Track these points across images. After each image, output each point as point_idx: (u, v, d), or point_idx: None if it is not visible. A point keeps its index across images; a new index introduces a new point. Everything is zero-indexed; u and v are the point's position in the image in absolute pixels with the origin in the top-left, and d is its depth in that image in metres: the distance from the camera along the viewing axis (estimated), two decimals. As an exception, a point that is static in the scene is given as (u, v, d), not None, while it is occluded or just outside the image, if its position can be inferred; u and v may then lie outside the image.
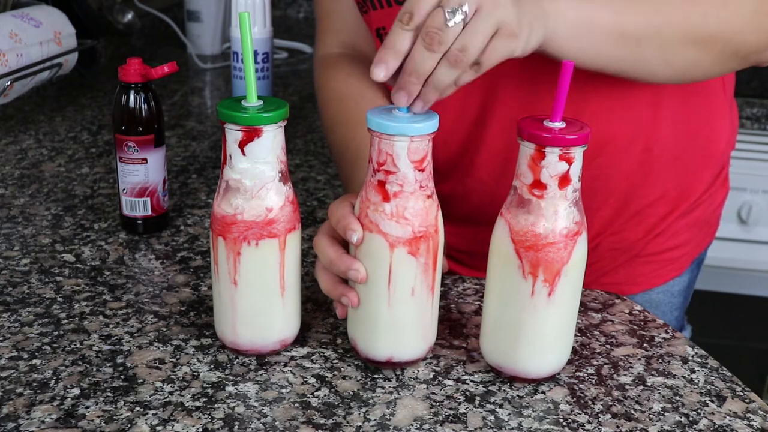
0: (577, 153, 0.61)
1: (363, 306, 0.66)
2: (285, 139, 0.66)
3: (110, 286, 0.80)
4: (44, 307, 0.76)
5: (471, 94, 0.83)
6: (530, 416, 0.63)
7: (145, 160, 0.88)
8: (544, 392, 0.66)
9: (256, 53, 1.15)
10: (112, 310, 0.76)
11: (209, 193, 1.04)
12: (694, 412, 0.64)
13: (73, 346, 0.70)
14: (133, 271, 0.84)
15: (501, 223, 0.65)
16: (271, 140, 0.64)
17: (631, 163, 0.85)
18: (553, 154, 0.61)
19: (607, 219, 0.87)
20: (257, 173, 0.64)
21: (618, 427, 0.62)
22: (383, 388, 0.66)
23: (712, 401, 0.66)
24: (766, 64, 0.79)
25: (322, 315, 0.76)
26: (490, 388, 0.66)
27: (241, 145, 0.63)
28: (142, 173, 0.88)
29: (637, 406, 0.65)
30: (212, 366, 0.68)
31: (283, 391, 0.65)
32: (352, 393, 0.65)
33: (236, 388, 0.65)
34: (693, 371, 0.70)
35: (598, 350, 0.72)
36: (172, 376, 0.66)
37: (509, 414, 0.63)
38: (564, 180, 0.61)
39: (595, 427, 0.62)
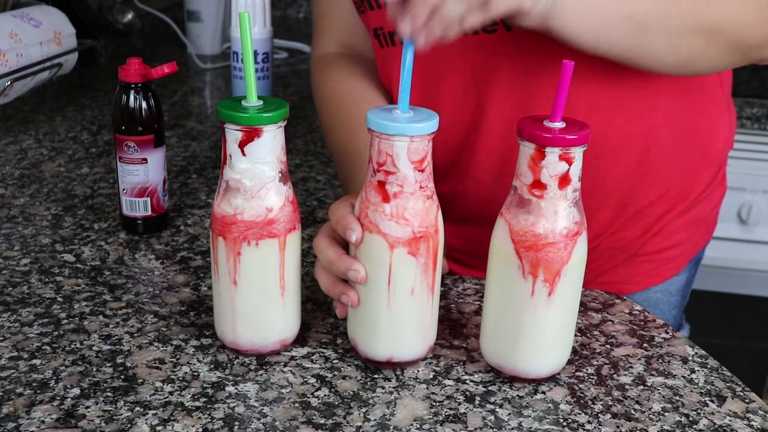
0: (577, 153, 0.61)
1: (363, 306, 0.66)
2: (285, 139, 0.66)
3: (110, 286, 0.80)
4: (44, 307, 0.76)
5: (467, 94, 0.83)
6: (530, 416, 0.63)
7: (145, 160, 0.88)
8: (544, 392, 0.66)
9: (256, 53, 1.15)
10: (112, 310, 0.76)
11: (209, 193, 1.04)
12: (694, 412, 0.64)
13: (73, 346, 0.70)
14: (133, 271, 0.84)
15: (501, 223, 0.65)
16: (271, 140, 0.64)
17: (630, 164, 0.85)
18: (553, 154, 0.61)
19: (607, 220, 0.87)
20: (257, 173, 0.64)
21: (618, 427, 0.62)
22: (383, 388, 0.66)
23: (712, 401, 0.66)
24: (766, 61, 0.79)
25: (322, 315, 0.76)
26: (490, 388, 0.66)
27: (241, 145, 0.63)
28: (142, 173, 0.88)
29: (637, 406, 0.65)
30: (212, 366, 0.68)
31: (283, 391, 0.65)
32: (352, 393, 0.65)
33: (236, 388, 0.65)
34: (693, 371, 0.70)
35: (598, 350, 0.72)
36: (172, 376, 0.66)
37: (509, 414, 0.63)
38: (564, 180, 0.61)
39: (595, 427, 0.62)
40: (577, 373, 0.69)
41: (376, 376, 0.67)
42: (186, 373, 0.67)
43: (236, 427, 0.61)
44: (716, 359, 0.72)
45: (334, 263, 0.66)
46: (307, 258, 0.87)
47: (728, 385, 0.68)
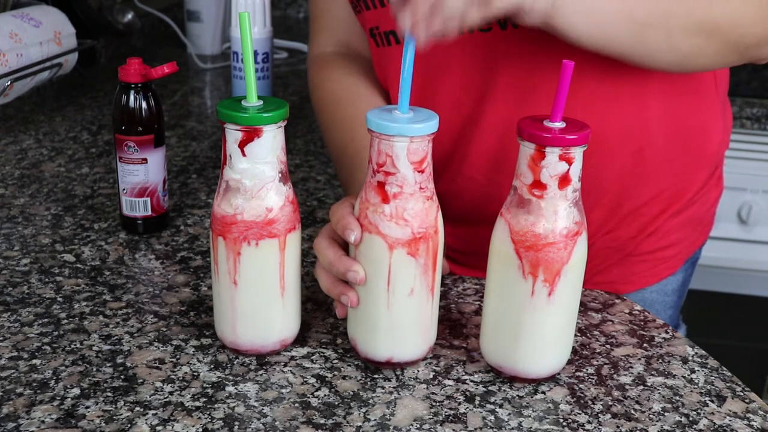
0: (577, 153, 0.61)
1: (362, 306, 0.66)
2: (285, 139, 0.66)
3: (110, 286, 0.80)
4: (44, 307, 0.76)
5: (464, 94, 0.83)
6: (530, 416, 0.63)
7: (145, 160, 0.88)
8: (544, 392, 0.66)
9: (256, 53, 1.15)
10: (112, 310, 0.76)
11: (209, 193, 1.04)
12: (694, 412, 0.64)
13: (73, 346, 0.70)
14: (133, 271, 0.84)
15: (501, 223, 0.65)
16: (271, 140, 0.64)
17: (624, 164, 0.85)
18: (553, 154, 0.61)
19: (601, 219, 0.87)
20: (257, 173, 0.64)
21: (618, 427, 0.62)
22: (383, 388, 0.66)
23: (712, 401, 0.66)
24: (763, 61, 0.79)
25: (322, 315, 0.76)
26: (490, 388, 0.66)
27: (241, 145, 0.63)
28: (142, 173, 0.88)
29: (637, 406, 0.65)
30: (212, 366, 0.68)
31: (283, 391, 0.65)
32: (352, 393, 0.65)
33: (236, 388, 0.65)
34: (693, 371, 0.70)
35: (598, 350, 0.72)
36: (172, 376, 0.66)
37: (509, 414, 0.63)
38: (564, 180, 0.61)
39: (595, 427, 0.62)
40: (577, 373, 0.69)
41: (376, 376, 0.67)
42: (186, 373, 0.67)
43: (236, 427, 0.61)
44: (716, 359, 0.72)
45: (333, 264, 0.66)
46: (307, 258, 0.87)
47: (728, 385, 0.68)
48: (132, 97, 0.87)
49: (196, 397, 0.64)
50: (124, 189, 0.89)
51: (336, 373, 0.68)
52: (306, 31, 1.03)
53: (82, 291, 0.79)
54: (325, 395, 0.65)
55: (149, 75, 0.85)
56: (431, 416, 0.63)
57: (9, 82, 1.10)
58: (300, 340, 0.72)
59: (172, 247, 0.89)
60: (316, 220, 0.97)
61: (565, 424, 0.62)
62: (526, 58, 0.79)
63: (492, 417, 0.63)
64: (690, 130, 0.87)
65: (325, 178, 1.10)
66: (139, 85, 0.86)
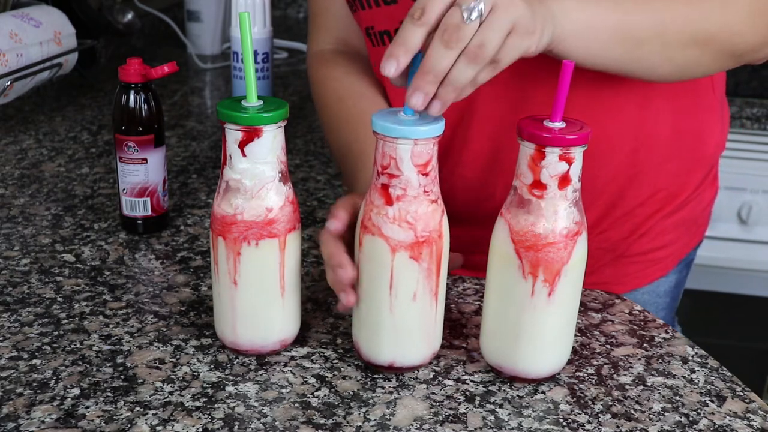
0: (577, 153, 0.61)
1: (365, 310, 0.66)
2: (285, 139, 0.66)
3: (110, 286, 0.80)
4: (44, 307, 0.76)
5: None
6: (530, 416, 0.63)
7: (145, 160, 0.88)
8: (544, 392, 0.66)
9: (256, 53, 1.15)
10: (112, 310, 0.76)
11: (209, 193, 1.04)
12: (694, 412, 0.64)
13: (73, 346, 0.70)
14: (133, 271, 0.84)
15: (501, 223, 0.64)
16: (271, 140, 0.64)
17: (620, 166, 0.85)
18: (553, 154, 0.61)
19: (595, 220, 0.87)
20: (257, 173, 0.64)
21: (618, 427, 0.62)
22: (383, 388, 0.66)
23: (712, 401, 0.66)
24: (760, 62, 0.79)
25: (322, 315, 0.76)
26: (490, 388, 0.66)
27: (241, 145, 0.63)
28: (142, 173, 0.88)
29: (637, 406, 0.65)
30: (212, 366, 0.68)
31: (283, 391, 0.65)
32: (352, 393, 0.65)
33: (236, 388, 0.65)
34: (693, 371, 0.70)
35: (598, 350, 0.72)
36: (172, 376, 0.66)
37: (509, 414, 0.63)
38: (564, 180, 0.61)
39: (595, 427, 0.62)
40: (577, 373, 0.69)
41: (376, 376, 0.67)
42: (186, 373, 0.67)
43: (236, 427, 0.61)
44: (716, 359, 0.72)
45: (330, 257, 0.66)
46: (307, 258, 0.87)
47: (728, 385, 0.68)
48: (132, 97, 0.87)
49: (196, 397, 0.64)
50: (124, 189, 0.89)
51: (336, 373, 0.68)
52: (306, 31, 1.03)
53: (82, 291, 0.79)
54: (325, 395, 0.65)
55: (149, 75, 0.85)
56: (431, 416, 0.63)
57: (9, 82, 1.10)
58: (300, 340, 0.72)
59: (172, 247, 0.89)
60: (316, 220, 0.97)
61: (565, 424, 0.62)
62: (518, 60, 0.80)
63: (492, 417, 0.63)
64: (687, 131, 0.87)
65: (325, 178, 1.10)
66: (139, 85, 0.86)
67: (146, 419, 0.61)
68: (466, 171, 0.87)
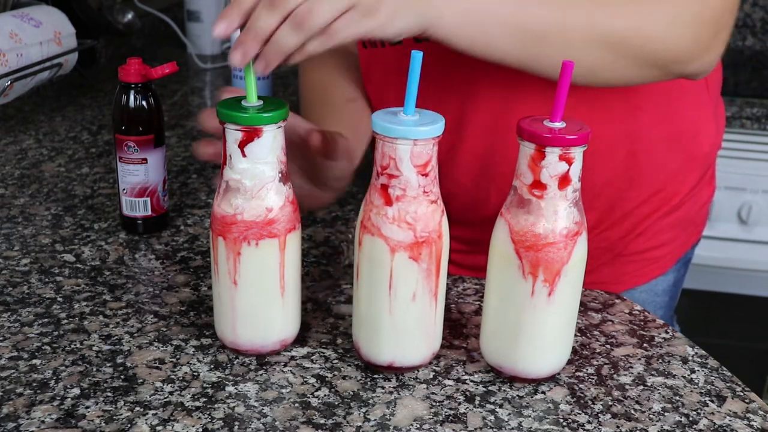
0: (577, 153, 0.61)
1: (365, 310, 0.66)
2: (285, 139, 0.66)
3: (110, 286, 0.80)
4: (44, 307, 0.76)
5: (448, 98, 0.84)
6: (530, 416, 0.63)
7: (145, 160, 0.88)
8: (544, 392, 0.66)
9: (256, 53, 1.15)
10: (112, 310, 0.76)
11: (209, 193, 1.04)
12: (694, 412, 0.64)
13: (73, 346, 0.70)
14: (133, 271, 0.84)
15: (501, 223, 0.64)
16: (271, 140, 0.64)
17: (617, 168, 0.85)
18: (553, 154, 0.61)
19: (593, 222, 0.87)
20: (257, 173, 0.64)
21: (618, 427, 0.62)
22: (383, 388, 0.66)
23: (712, 401, 0.66)
24: (696, 76, 0.77)
25: (322, 315, 0.76)
26: (490, 388, 0.66)
27: (241, 145, 0.63)
28: (142, 173, 0.88)
29: (637, 406, 0.65)
30: (212, 366, 0.68)
31: (283, 391, 0.65)
32: (352, 393, 0.65)
33: (236, 388, 0.65)
34: (693, 371, 0.70)
35: (598, 350, 0.72)
36: (172, 376, 0.66)
37: (509, 414, 0.63)
38: (564, 180, 0.61)
39: (595, 427, 0.62)
40: (577, 373, 0.69)
41: (376, 376, 0.67)
42: (186, 373, 0.67)
43: (236, 427, 0.61)
44: (716, 359, 0.72)
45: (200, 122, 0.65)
46: (307, 258, 0.87)
47: (728, 385, 0.68)
48: (132, 97, 0.87)
49: (196, 397, 0.64)
50: (124, 189, 0.89)
51: (336, 373, 0.68)
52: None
53: (82, 291, 0.79)
54: (325, 395, 0.65)
55: (149, 75, 0.85)
56: (431, 416, 0.63)
57: (9, 82, 1.10)
58: (300, 340, 0.72)
59: (172, 247, 0.89)
60: (316, 220, 0.97)
61: (565, 424, 0.62)
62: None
63: (492, 417, 0.63)
64: (682, 132, 0.87)
65: (325, 178, 1.10)
66: (139, 85, 0.86)
67: (146, 419, 0.61)
68: (460, 175, 0.87)
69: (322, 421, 0.62)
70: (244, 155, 0.63)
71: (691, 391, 0.67)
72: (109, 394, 0.64)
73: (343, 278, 0.83)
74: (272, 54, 0.61)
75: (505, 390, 0.66)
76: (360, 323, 0.67)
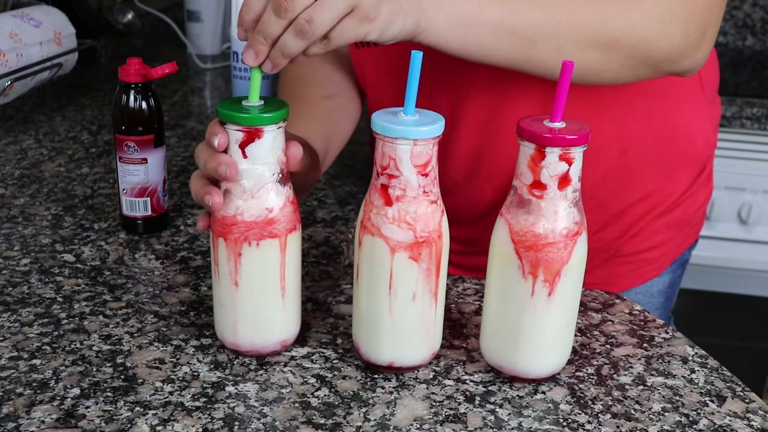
0: (577, 153, 0.61)
1: (365, 310, 0.66)
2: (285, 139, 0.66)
3: (110, 286, 0.80)
4: (44, 307, 0.76)
5: (439, 97, 0.84)
6: (530, 416, 0.63)
7: (145, 160, 0.88)
8: (544, 392, 0.66)
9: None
10: (112, 310, 0.76)
11: (209, 193, 1.04)
12: (694, 412, 0.64)
13: (73, 346, 0.70)
14: (133, 271, 0.84)
15: (501, 223, 0.64)
16: (272, 141, 0.64)
17: (610, 168, 0.85)
18: (553, 154, 0.61)
19: (587, 222, 0.88)
20: (257, 174, 0.64)
21: (618, 427, 0.62)
22: (383, 388, 0.66)
23: (712, 401, 0.66)
24: (686, 73, 0.77)
25: (322, 315, 0.76)
26: (490, 388, 0.66)
27: (242, 145, 0.63)
28: (142, 173, 0.88)
29: (637, 406, 0.65)
30: (212, 366, 0.68)
31: (283, 391, 0.65)
32: (352, 393, 0.65)
33: (236, 388, 0.65)
34: (693, 371, 0.70)
35: (598, 350, 0.72)
36: (172, 376, 0.66)
37: (509, 414, 0.63)
38: (564, 180, 0.61)
39: (595, 427, 0.62)
40: (577, 373, 0.69)
41: (376, 376, 0.67)
42: (186, 373, 0.67)
43: (236, 427, 0.61)
44: (716, 359, 0.72)
45: (207, 161, 0.65)
46: (307, 258, 0.87)
47: (728, 385, 0.68)
48: (132, 97, 0.87)
49: (196, 397, 0.64)
50: (124, 189, 0.89)
51: (336, 373, 0.68)
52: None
53: (82, 291, 0.79)
54: (325, 395, 0.65)
55: (149, 75, 0.85)
56: (431, 416, 0.63)
57: (9, 82, 1.10)
58: (300, 340, 0.72)
59: (172, 247, 0.89)
60: (316, 220, 0.97)
61: (565, 424, 0.62)
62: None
63: (492, 417, 0.63)
64: (675, 131, 0.87)
65: (325, 178, 1.10)
66: (139, 85, 0.86)
67: (146, 419, 0.61)
68: (452, 173, 0.87)
69: (322, 421, 0.62)
70: (244, 156, 0.63)
71: (691, 391, 0.67)
72: (109, 394, 0.64)
73: (343, 278, 0.83)
74: (278, 57, 0.63)
75: (505, 390, 0.66)
76: (360, 323, 0.67)
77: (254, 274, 0.66)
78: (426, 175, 0.62)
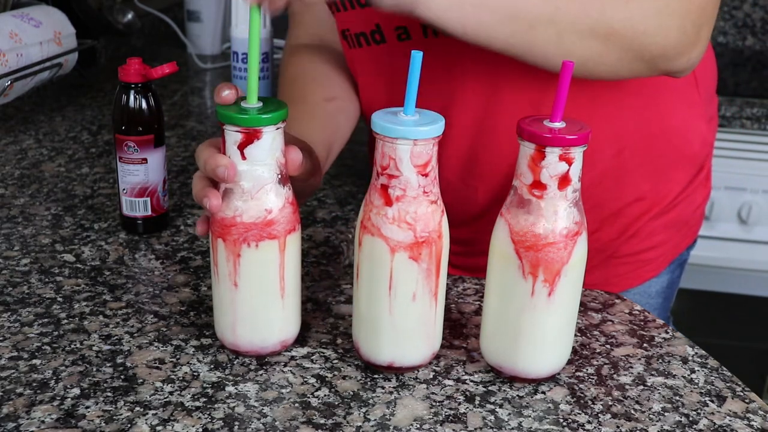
0: (577, 153, 0.61)
1: (365, 310, 0.66)
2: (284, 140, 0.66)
3: (110, 286, 0.80)
4: (44, 307, 0.76)
5: (431, 96, 0.84)
6: (530, 416, 0.63)
7: (145, 160, 0.88)
8: (544, 392, 0.66)
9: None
10: (112, 310, 0.76)
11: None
12: (694, 412, 0.64)
13: (73, 346, 0.70)
14: (133, 271, 0.84)
15: (501, 223, 0.65)
16: (271, 142, 0.64)
17: (605, 167, 0.85)
18: (553, 154, 0.61)
19: None
20: (256, 175, 0.64)
21: (618, 427, 0.62)
22: (383, 388, 0.66)
23: (712, 401, 0.66)
24: (680, 73, 0.76)
25: (322, 315, 0.76)
26: (490, 388, 0.66)
27: (241, 146, 0.63)
28: (142, 173, 0.88)
29: (637, 406, 0.65)
30: (212, 366, 0.68)
31: (283, 391, 0.65)
32: (352, 393, 0.65)
33: (236, 388, 0.65)
34: (693, 371, 0.70)
35: (598, 350, 0.72)
36: (172, 376, 0.66)
37: (509, 414, 0.63)
38: (564, 180, 0.61)
39: (595, 427, 0.62)
40: (577, 373, 0.69)
41: (376, 376, 0.67)
42: (186, 373, 0.67)
43: (236, 427, 0.61)
44: (716, 359, 0.72)
45: (206, 163, 0.64)
46: (307, 258, 0.87)
47: (728, 385, 0.68)
48: (132, 97, 0.87)
49: (196, 397, 0.64)
50: (124, 189, 0.89)
51: (336, 373, 0.68)
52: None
53: (82, 291, 0.79)
54: (325, 395, 0.65)
55: (149, 75, 0.85)
56: (431, 416, 0.63)
57: (9, 82, 1.10)
58: (300, 340, 0.72)
59: (172, 247, 0.89)
60: (316, 221, 0.97)
61: (565, 424, 0.62)
62: (492, 62, 0.79)
63: (492, 417, 0.63)
64: (670, 130, 0.87)
65: (325, 178, 1.10)
66: (139, 85, 0.86)
67: (146, 419, 0.61)
68: (446, 173, 0.87)
69: (322, 421, 0.62)
70: (243, 157, 0.63)
71: (691, 391, 0.67)
72: (109, 394, 0.64)
73: (343, 278, 0.83)
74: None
75: (505, 390, 0.66)
76: (360, 323, 0.67)
77: (253, 275, 0.66)
78: (426, 175, 0.62)
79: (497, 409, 0.64)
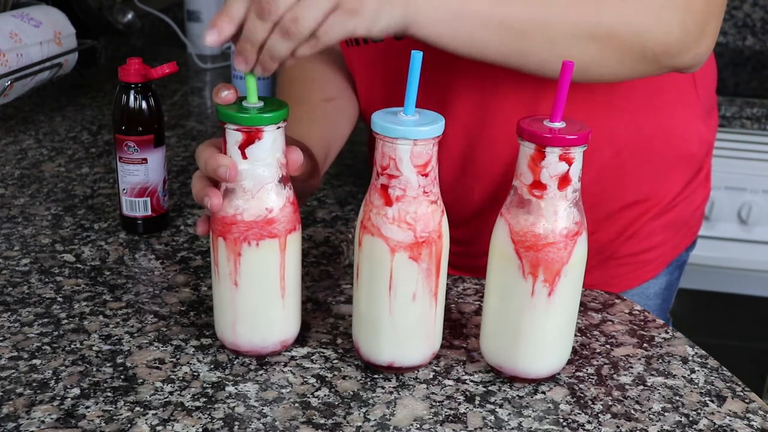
0: (577, 153, 0.61)
1: (365, 310, 0.66)
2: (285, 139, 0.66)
3: (110, 286, 0.80)
4: (44, 307, 0.76)
5: (426, 96, 0.84)
6: (530, 416, 0.63)
7: (145, 160, 0.88)
8: (544, 392, 0.66)
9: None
10: (112, 310, 0.76)
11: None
12: (694, 412, 0.64)
13: (73, 346, 0.70)
14: (133, 271, 0.84)
15: (501, 223, 0.64)
16: (271, 141, 0.64)
17: (603, 168, 0.85)
18: (553, 154, 0.61)
19: None
20: (257, 174, 0.64)
21: (618, 427, 0.62)
22: (383, 388, 0.66)
23: (712, 401, 0.66)
24: (688, 69, 0.75)
25: (322, 315, 0.76)
26: (490, 388, 0.66)
27: (242, 146, 0.63)
28: (142, 173, 0.88)
29: (637, 406, 0.65)
30: (212, 366, 0.68)
31: (283, 391, 0.65)
32: (352, 393, 0.65)
33: (236, 388, 0.65)
34: (693, 371, 0.70)
35: (598, 350, 0.72)
36: (172, 376, 0.66)
37: (509, 414, 0.63)
38: (564, 180, 0.61)
39: (595, 427, 0.62)
40: (577, 373, 0.69)
41: (376, 376, 0.67)
42: (186, 373, 0.67)
43: (236, 427, 0.61)
44: (716, 359, 0.72)
45: (207, 162, 0.64)
46: (307, 258, 0.87)
47: (728, 385, 0.68)
48: (132, 97, 0.87)
49: (196, 397, 0.64)
50: (124, 189, 0.89)
51: (336, 373, 0.68)
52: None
53: (82, 291, 0.79)
54: (325, 395, 0.65)
55: (149, 75, 0.85)
56: (431, 416, 0.63)
57: (9, 82, 1.10)
58: (300, 340, 0.72)
59: (172, 247, 0.89)
60: (316, 220, 0.97)
61: (565, 424, 0.62)
62: (485, 62, 0.79)
63: (492, 417, 0.63)
64: (668, 131, 0.87)
65: (325, 178, 1.10)
66: (139, 85, 0.86)
67: (146, 419, 0.61)
68: (441, 173, 0.87)
69: (322, 421, 0.62)
70: (244, 156, 0.63)
71: (691, 391, 0.67)
72: (109, 394, 0.64)
73: (343, 278, 0.83)
74: (267, 62, 0.62)
75: (505, 390, 0.66)
76: (360, 323, 0.67)
77: (254, 274, 0.66)
78: (426, 175, 0.62)
79: (497, 409, 0.64)
